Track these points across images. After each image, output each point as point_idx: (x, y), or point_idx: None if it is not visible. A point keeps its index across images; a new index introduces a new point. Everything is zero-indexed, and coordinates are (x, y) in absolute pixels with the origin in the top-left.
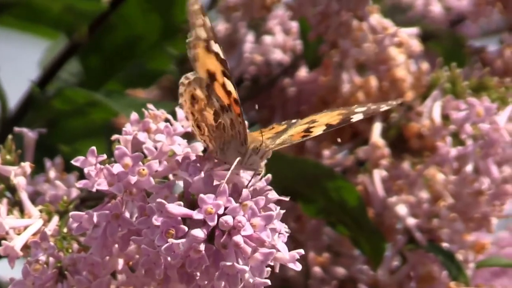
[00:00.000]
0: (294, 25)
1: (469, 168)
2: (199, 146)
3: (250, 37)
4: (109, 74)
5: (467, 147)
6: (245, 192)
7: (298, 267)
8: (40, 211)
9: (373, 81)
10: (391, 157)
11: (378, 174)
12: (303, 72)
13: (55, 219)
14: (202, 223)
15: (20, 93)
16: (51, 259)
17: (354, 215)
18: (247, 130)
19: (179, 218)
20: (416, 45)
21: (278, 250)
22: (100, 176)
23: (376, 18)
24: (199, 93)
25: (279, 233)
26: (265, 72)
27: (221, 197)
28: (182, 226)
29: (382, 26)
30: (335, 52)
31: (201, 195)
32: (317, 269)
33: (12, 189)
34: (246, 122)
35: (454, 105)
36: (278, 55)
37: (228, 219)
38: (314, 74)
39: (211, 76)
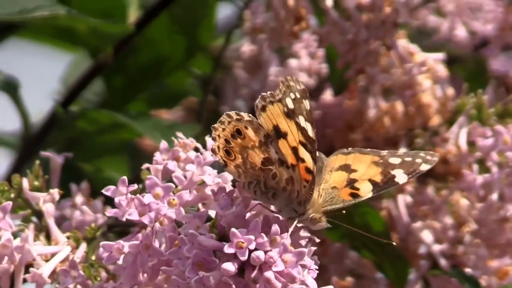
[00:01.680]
0: (320, 49)
1: (494, 196)
2: (228, 176)
3: (275, 60)
4: (133, 94)
5: (493, 174)
6: (274, 227)
7: None
8: (68, 237)
9: (399, 107)
10: (416, 182)
11: (403, 199)
12: (328, 95)
13: (83, 246)
14: (233, 256)
15: (40, 105)
16: (79, 287)
17: (379, 240)
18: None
19: (210, 250)
20: (442, 71)
21: (308, 286)
22: (131, 206)
23: (403, 44)
24: (250, 133)
25: (309, 269)
26: None
27: (253, 231)
28: (213, 258)
29: (408, 51)
30: (361, 76)
31: (233, 229)
32: None
33: (39, 214)
34: None
35: (480, 132)
36: (303, 79)
37: (260, 254)
38: (339, 98)
39: (278, 133)
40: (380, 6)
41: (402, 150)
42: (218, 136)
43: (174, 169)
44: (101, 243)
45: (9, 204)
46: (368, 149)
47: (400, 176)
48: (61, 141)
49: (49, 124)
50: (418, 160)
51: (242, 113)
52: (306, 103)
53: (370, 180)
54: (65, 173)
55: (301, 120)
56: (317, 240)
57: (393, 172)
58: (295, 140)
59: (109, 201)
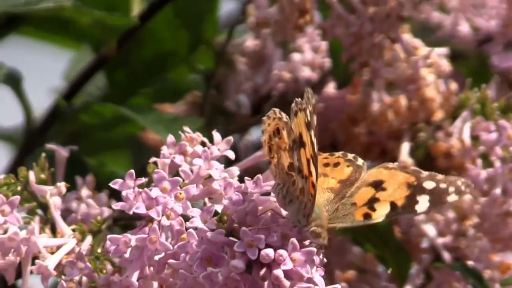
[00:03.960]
0: (323, 43)
1: (498, 190)
2: (235, 170)
3: (278, 55)
4: (135, 89)
5: (496, 169)
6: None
7: None
8: (73, 230)
9: (403, 101)
10: None
11: None
12: (331, 89)
13: (89, 239)
14: (241, 252)
15: (42, 101)
16: (84, 279)
17: (381, 233)
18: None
19: (219, 246)
20: (446, 65)
21: (316, 284)
22: (138, 199)
23: (407, 38)
24: (285, 134)
25: (317, 267)
26: (293, 89)
27: (263, 230)
28: (222, 254)
29: (413, 46)
30: (365, 70)
31: (243, 229)
32: (342, 286)
33: (44, 207)
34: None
35: (484, 126)
36: (306, 73)
37: (270, 252)
38: (342, 91)
39: (301, 143)
40: None
41: (405, 145)
42: (265, 130)
43: (181, 163)
44: (108, 236)
45: (17, 198)
46: (411, 168)
47: (423, 205)
48: (63, 135)
49: (51, 118)
50: (451, 189)
51: (282, 113)
52: (314, 120)
53: (391, 203)
54: (69, 166)
55: (313, 134)
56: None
57: (419, 197)
58: (309, 152)
59: (113, 195)
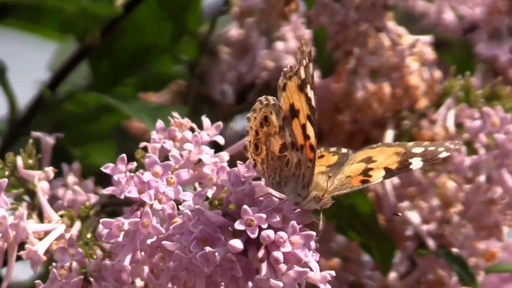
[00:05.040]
0: (307, 32)
1: (482, 177)
2: (225, 155)
3: (263, 43)
4: (119, 79)
5: (481, 156)
6: (287, 208)
7: (327, 287)
8: (61, 216)
9: (387, 88)
10: None
11: (390, 181)
12: (315, 78)
13: (77, 224)
14: (237, 235)
15: (27, 93)
16: (74, 264)
17: (365, 221)
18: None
19: (216, 227)
20: (430, 53)
21: (311, 269)
22: (130, 183)
23: (391, 26)
24: (273, 118)
25: (313, 252)
26: (276, 78)
27: (265, 210)
28: (219, 235)
29: (397, 33)
30: (349, 58)
31: (245, 206)
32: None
33: (31, 193)
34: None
35: (468, 113)
36: (289, 61)
37: (270, 233)
38: (326, 80)
39: (293, 112)
40: None
41: (389, 132)
42: (251, 128)
43: (170, 149)
44: (101, 220)
45: (4, 181)
46: (397, 142)
47: (416, 163)
48: (47, 125)
49: (35, 108)
50: (441, 149)
51: (269, 97)
52: (311, 67)
53: (385, 168)
54: (53, 156)
55: (308, 89)
56: (321, 225)
57: (411, 160)
58: (304, 115)
59: (99, 182)
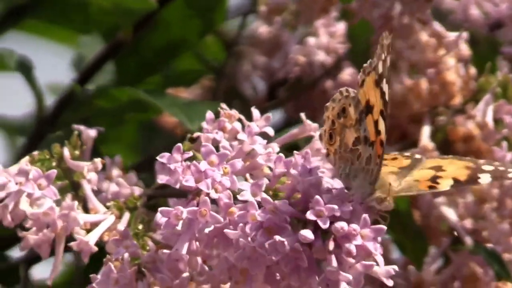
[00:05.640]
0: (340, 28)
1: None
2: (275, 146)
3: (294, 40)
4: (144, 76)
5: None
6: (356, 200)
7: (390, 282)
8: (107, 207)
9: (424, 84)
10: None
11: None
12: (346, 75)
13: (127, 215)
14: (304, 225)
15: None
16: (126, 256)
17: (401, 218)
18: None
19: (285, 217)
20: (465, 50)
21: (377, 263)
22: (187, 173)
23: (436, 24)
24: (351, 111)
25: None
26: (307, 73)
27: (336, 202)
28: (286, 225)
29: (441, 31)
30: None
31: (317, 197)
32: None
33: (75, 185)
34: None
35: (507, 109)
36: (321, 57)
37: (344, 225)
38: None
39: (368, 108)
40: None
41: (426, 128)
42: (328, 117)
43: (220, 139)
44: (160, 209)
45: (53, 172)
46: (468, 158)
47: (485, 178)
48: (75, 122)
49: (61, 106)
50: (510, 169)
51: (350, 89)
52: (388, 61)
53: (454, 178)
54: None
55: (384, 84)
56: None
57: (480, 175)
58: (377, 111)
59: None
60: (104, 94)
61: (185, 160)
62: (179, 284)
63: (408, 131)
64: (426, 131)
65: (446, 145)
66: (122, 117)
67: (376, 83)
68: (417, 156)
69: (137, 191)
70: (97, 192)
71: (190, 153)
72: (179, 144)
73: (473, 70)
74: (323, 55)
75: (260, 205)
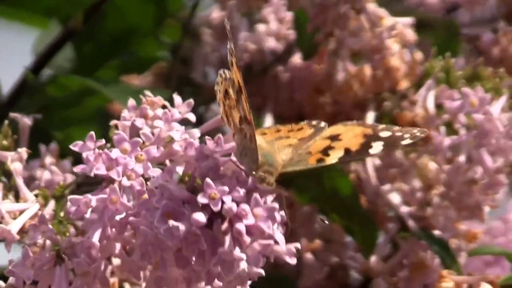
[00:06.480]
0: (288, 14)
1: (462, 157)
2: (196, 132)
3: (244, 26)
4: (102, 61)
5: (460, 136)
6: (251, 180)
7: (293, 260)
8: (36, 195)
9: (368, 70)
10: None
11: (371, 163)
12: (297, 59)
13: (52, 203)
14: (202, 208)
15: (10, 80)
16: (48, 242)
17: (347, 204)
18: (257, 149)
19: (180, 201)
20: (411, 35)
21: (276, 242)
22: (99, 160)
23: (371, 7)
24: (231, 92)
25: (278, 224)
26: (258, 60)
27: (228, 184)
28: (182, 209)
29: (377, 15)
30: (330, 40)
31: (207, 180)
32: (309, 256)
33: (7, 174)
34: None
35: (448, 94)
36: (271, 44)
37: (233, 206)
38: (308, 62)
39: (239, 88)
40: None
41: (370, 114)
42: (219, 101)
43: (141, 126)
44: (69, 197)
45: None
46: (371, 123)
47: (376, 148)
48: (31, 109)
49: (18, 93)
50: (406, 135)
51: (226, 71)
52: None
53: (345, 149)
54: (34, 138)
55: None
56: (286, 194)
57: (373, 143)
58: (238, 86)
59: (77, 162)
60: (55, 82)
61: (100, 148)
62: (94, 269)
63: (353, 117)
64: (370, 117)
65: None
66: (77, 105)
67: (237, 64)
68: (322, 124)
69: (70, 178)
70: (33, 180)
71: (103, 141)
72: (92, 132)
73: (419, 55)
74: (274, 42)
75: None
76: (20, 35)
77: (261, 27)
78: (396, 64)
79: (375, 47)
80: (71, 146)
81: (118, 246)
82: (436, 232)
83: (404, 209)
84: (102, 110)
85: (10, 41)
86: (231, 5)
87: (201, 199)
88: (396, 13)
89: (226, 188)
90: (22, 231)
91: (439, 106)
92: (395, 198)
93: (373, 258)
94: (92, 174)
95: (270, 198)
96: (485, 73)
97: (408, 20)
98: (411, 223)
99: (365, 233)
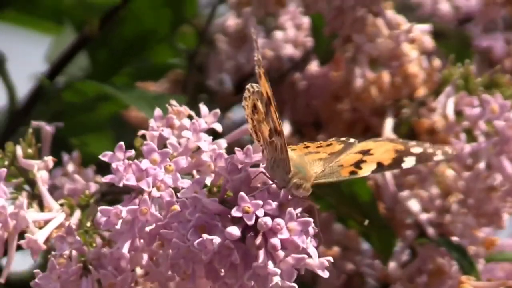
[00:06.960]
0: (306, 21)
1: (482, 164)
2: (223, 143)
3: (260, 33)
4: (117, 68)
5: (480, 143)
6: (284, 194)
7: (326, 274)
8: (61, 204)
9: (386, 77)
10: None
11: None
12: (314, 66)
13: (77, 213)
14: (236, 221)
15: (23, 87)
16: (74, 253)
17: (365, 210)
18: (289, 159)
19: (213, 214)
20: (429, 42)
21: (309, 256)
22: (128, 171)
23: (389, 14)
24: (259, 106)
25: (311, 238)
26: (275, 67)
27: (260, 198)
28: (216, 222)
29: (396, 22)
30: (348, 47)
31: (241, 193)
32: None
33: (31, 183)
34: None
35: (467, 101)
36: (289, 51)
37: (268, 220)
38: (325, 68)
39: (268, 99)
40: None
41: (389, 121)
42: (247, 116)
43: (168, 136)
44: (99, 208)
45: (3, 171)
46: (401, 140)
47: (409, 162)
48: (47, 115)
49: (34, 99)
50: (438, 152)
51: (254, 85)
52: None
53: (378, 163)
54: (53, 146)
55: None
56: (317, 207)
57: (406, 158)
58: (273, 101)
59: (100, 171)
60: (71, 88)
61: (129, 158)
62: (121, 281)
63: (371, 124)
64: (389, 124)
65: (411, 138)
66: (93, 111)
67: (265, 74)
68: (351, 140)
69: (93, 187)
70: (56, 188)
71: (132, 152)
72: (121, 143)
73: (437, 62)
74: (291, 49)
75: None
76: (31, 42)
77: (278, 34)
78: (414, 70)
79: (393, 54)
80: (100, 157)
81: (145, 257)
82: (455, 239)
83: (423, 216)
84: (117, 117)
85: (22, 48)
86: (247, 12)
87: (235, 213)
88: (410, 22)
89: (260, 202)
90: (48, 241)
91: (458, 113)
92: (413, 205)
93: (391, 264)
94: (121, 185)
95: (299, 210)
96: (502, 80)
97: (426, 27)
98: (430, 230)
99: (383, 239)
